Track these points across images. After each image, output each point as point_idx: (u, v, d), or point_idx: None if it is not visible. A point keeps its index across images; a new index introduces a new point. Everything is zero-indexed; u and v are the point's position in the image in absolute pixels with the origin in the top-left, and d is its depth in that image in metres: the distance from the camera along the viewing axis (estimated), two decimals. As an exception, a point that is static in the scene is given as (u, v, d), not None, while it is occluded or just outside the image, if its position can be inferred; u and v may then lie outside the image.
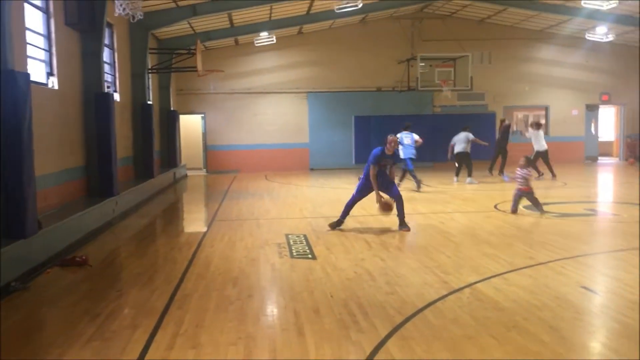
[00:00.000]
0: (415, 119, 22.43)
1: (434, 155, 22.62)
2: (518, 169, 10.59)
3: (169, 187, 17.02)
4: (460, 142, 16.23)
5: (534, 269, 6.49)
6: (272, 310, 5.37)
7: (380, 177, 9.07)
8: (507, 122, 17.99)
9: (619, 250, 7.64)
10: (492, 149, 17.81)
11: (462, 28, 22.39)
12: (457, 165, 16.51)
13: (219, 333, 4.65)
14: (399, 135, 14.78)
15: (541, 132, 17.22)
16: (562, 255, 7.09)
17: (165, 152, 19.51)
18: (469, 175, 16.05)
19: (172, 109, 20.12)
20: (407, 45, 22.33)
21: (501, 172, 17.13)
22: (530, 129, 17.42)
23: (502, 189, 14.76)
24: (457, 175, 16.58)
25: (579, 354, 4.18)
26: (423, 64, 20.48)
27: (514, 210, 10.52)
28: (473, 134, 16.18)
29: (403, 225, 9.08)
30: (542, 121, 22.84)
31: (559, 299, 5.36)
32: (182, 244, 8.72)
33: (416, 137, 14.91)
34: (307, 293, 5.74)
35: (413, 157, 14.71)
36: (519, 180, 10.53)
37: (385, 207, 9.06)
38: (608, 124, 25.08)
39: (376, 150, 9.11)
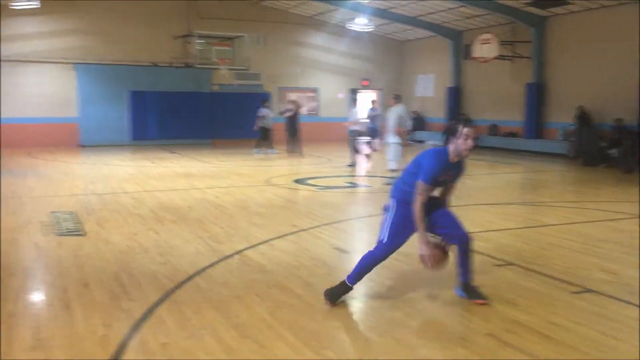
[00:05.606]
0: (193, 97, 22.54)
1: (212, 132, 23.06)
2: None
3: None
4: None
5: (296, 235, 7.21)
6: (36, 287, 5.19)
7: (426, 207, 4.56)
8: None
9: (367, 216, 8.82)
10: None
11: (238, 9, 22.82)
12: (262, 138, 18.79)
13: (-27, 315, 4.39)
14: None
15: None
16: (321, 222, 7.95)
17: None
18: (270, 147, 18.72)
19: None
20: (184, 21, 22.11)
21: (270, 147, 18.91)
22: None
23: (277, 165, 15.72)
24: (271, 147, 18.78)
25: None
26: (202, 41, 20.55)
27: None
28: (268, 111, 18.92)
29: (471, 292, 4.74)
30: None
31: (315, 259, 6.09)
32: None
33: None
34: (75, 268, 5.64)
35: None
36: None
37: (439, 258, 4.67)
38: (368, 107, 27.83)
39: (435, 154, 4.54)
